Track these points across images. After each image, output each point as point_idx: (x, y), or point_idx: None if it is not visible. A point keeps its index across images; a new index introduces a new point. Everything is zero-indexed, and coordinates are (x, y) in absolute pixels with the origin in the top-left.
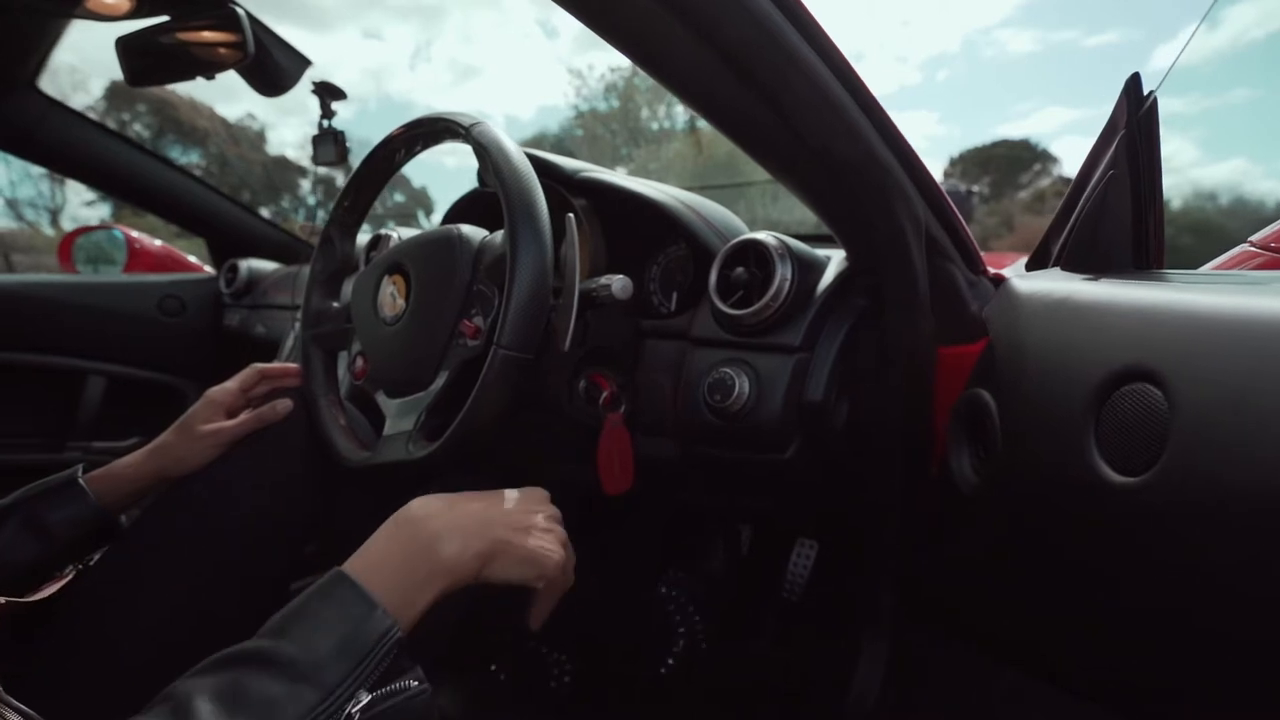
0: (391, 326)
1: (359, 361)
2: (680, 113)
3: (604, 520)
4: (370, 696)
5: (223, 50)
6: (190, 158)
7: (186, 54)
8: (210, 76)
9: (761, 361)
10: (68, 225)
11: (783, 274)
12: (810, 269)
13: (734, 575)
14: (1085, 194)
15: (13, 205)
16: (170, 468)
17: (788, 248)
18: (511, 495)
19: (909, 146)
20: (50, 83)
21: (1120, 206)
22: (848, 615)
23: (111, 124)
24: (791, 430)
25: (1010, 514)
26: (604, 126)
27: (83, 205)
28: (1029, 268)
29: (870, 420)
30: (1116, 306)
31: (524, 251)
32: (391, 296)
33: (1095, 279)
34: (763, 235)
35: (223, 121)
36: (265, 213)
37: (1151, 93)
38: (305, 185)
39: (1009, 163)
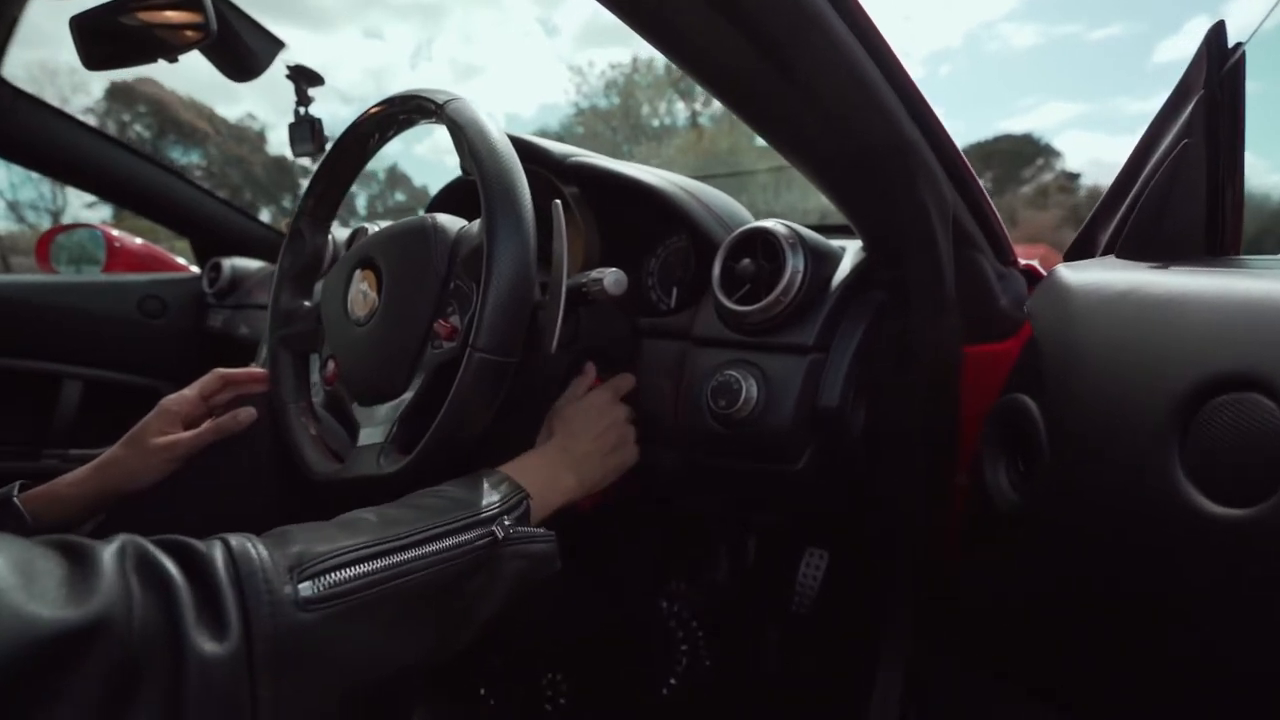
0: (362, 327)
1: (330, 365)
2: (681, 109)
3: (600, 531)
4: (511, 520)
5: (184, 30)
6: (191, 158)
7: (146, 34)
8: (173, 59)
9: (771, 363)
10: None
11: (794, 265)
12: (824, 260)
13: (739, 587)
14: (1147, 170)
15: (14, 207)
16: (119, 485)
17: (799, 236)
18: (591, 421)
19: (938, 122)
20: (50, 84)
21: (1194, 181)
22: (862, 631)
23: (112, 125)
24: (804, 439)
25: (1061, 540)
26: (605, 124)
27: (84, 207)
28: (1069, 258)
29: (890, 427)
30: (1203, 300)
31: (502, 242)
32: (362, 294)
33: (1163, 267)
34: (771, 223)
35: (223, 122)
36: (266, 213)
37: (1239, 46)
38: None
39: (1012, 158)
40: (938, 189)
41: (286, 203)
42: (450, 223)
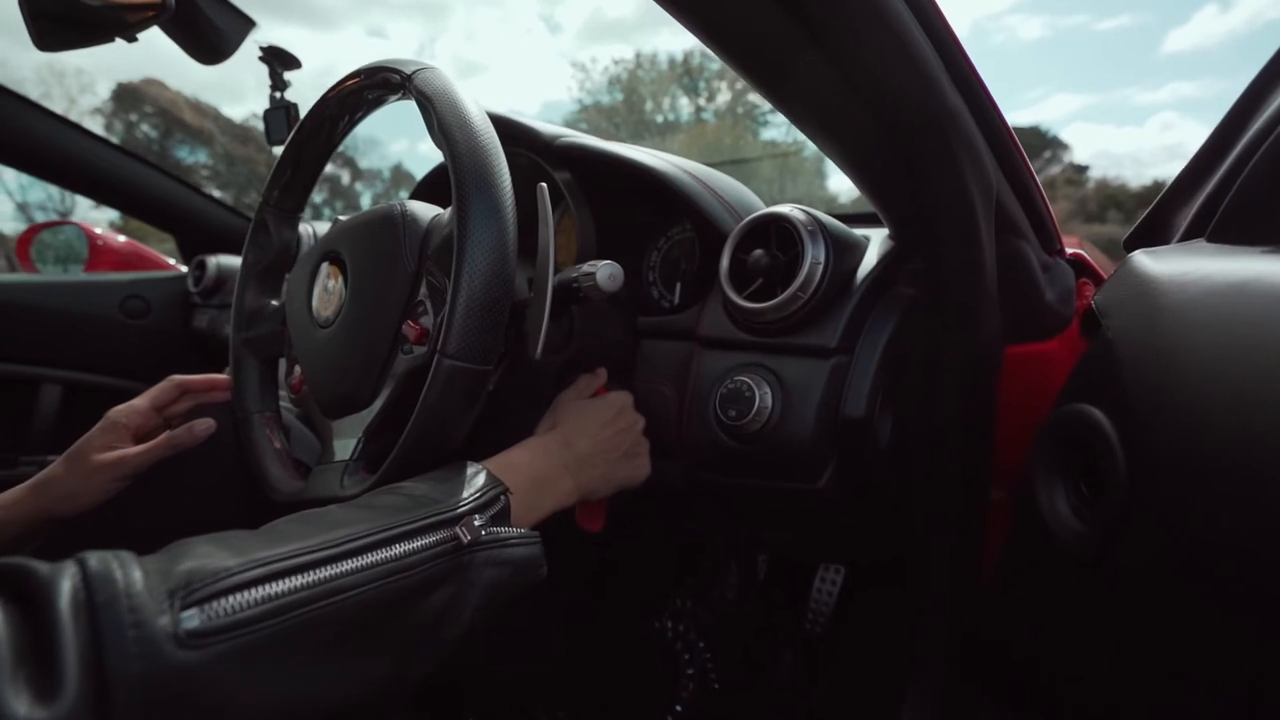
0: (326, 329)
1: (296, 371)
2: (685, 104)
3: (599, 548)
4: (484, 519)
5: (140, 6)
6: (198, 158)
7: (100, 13)
8: (130, 39)
9: (788, 367)
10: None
11: (814, 256)
12: (847, 250)
13: (749, 604)
14: (1245, 140)
15: (23, 209)
16: (57, 507)
17: (819, 223)
18: (605, 422)
19: (984, 88)
20: (58, 84)
21: None
22: (883, 652)
23: (118, 125)
24: (825, 453)
25: (1147, 582)
26: (608, 120)
27: (92, 208)
28: (1135, 245)
29: (919, 438)
30: None
31: (475, 230)
32: (326, 291)
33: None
34: (787, 209)
35: (228, 122)
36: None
37: None
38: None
39: None
40: (981, 167)
41: None
42: (423, 210)
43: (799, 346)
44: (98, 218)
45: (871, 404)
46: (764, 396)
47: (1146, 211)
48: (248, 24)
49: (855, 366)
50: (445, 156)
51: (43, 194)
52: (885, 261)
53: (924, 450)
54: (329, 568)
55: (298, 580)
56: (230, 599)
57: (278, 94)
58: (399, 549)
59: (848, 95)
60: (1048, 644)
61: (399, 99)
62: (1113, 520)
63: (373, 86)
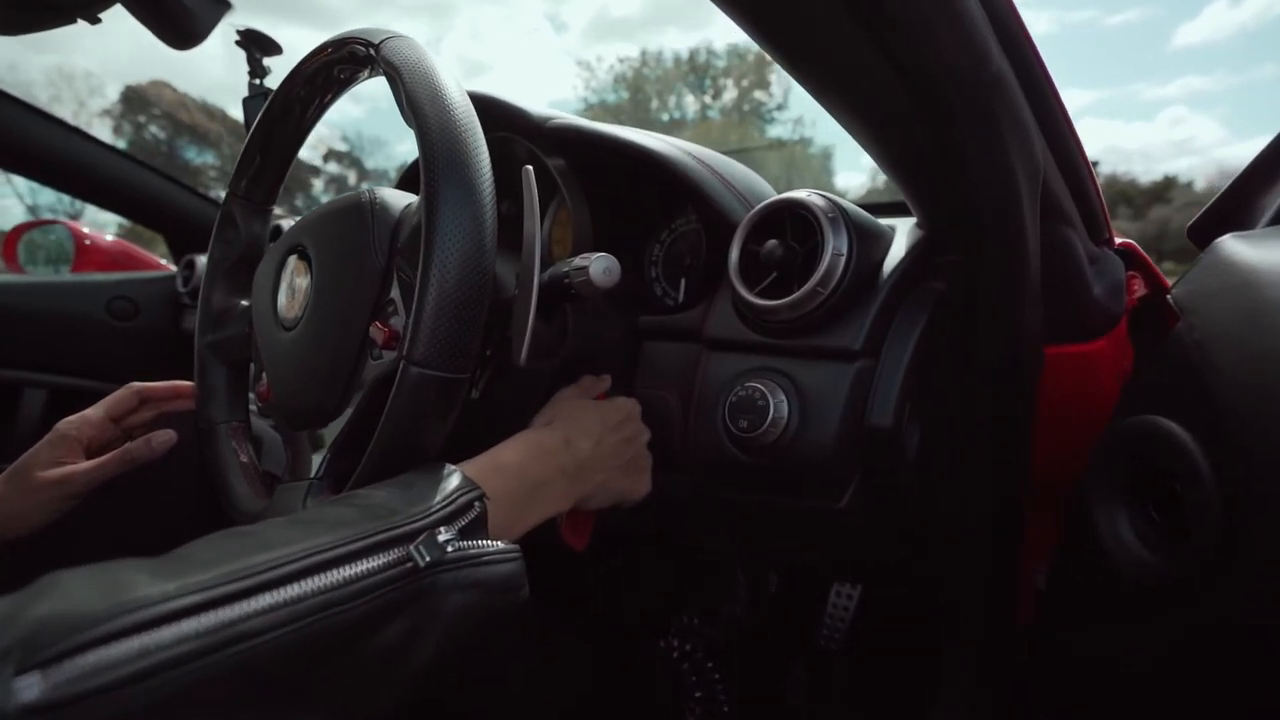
0: (290, 331)
1: (265, 377)
2: (690, 102)
3: (598, 562)
4: (452, 532)
5: None
6: (205, 158)
7: None
8: (93, 20)
9: (806, 372)
10: (86, 229)
11: (835, 247)
12: (872, 241)
13: (759, 620)
14: None
15: (33, 211)
16: None
17: (840, 210)
18: (611, 426)
19: (1034, 51)
20: (68, 87)
21: None
22: (903, 670)
23: (127, 127)
24: (848, 468)
25: (1256, 632)
26: (613, 118)
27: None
28: (1205, 231)
29: (950, 449)
30: None
31: (447, 219)
32: (292, 289)
33: None
34: (804, 194)
35: (235, 123)
36: (278, 212)
37: None
38: (319, 185)
39: None
40: (1028, 144)
41: (299, 201)
42: (395, 198)
43: (818, 349)
44: (107, 220)
45: (900, 413)
46: (779, 405)
47: (1220, 194)
48: (222, 6)
49: (881, 371)
50: (416, 135)
51: (53, 196)
52: (914, 253)
53: (955, 462)
54: (236, 606)
55: (189, 625)
56: (90, 656)
57: (257, 81)
58: (335, 575)
59: (877, 58)
60: (1107, 685)
61: (370, 75)
62: (1202, 552)
63: (341, 61)
